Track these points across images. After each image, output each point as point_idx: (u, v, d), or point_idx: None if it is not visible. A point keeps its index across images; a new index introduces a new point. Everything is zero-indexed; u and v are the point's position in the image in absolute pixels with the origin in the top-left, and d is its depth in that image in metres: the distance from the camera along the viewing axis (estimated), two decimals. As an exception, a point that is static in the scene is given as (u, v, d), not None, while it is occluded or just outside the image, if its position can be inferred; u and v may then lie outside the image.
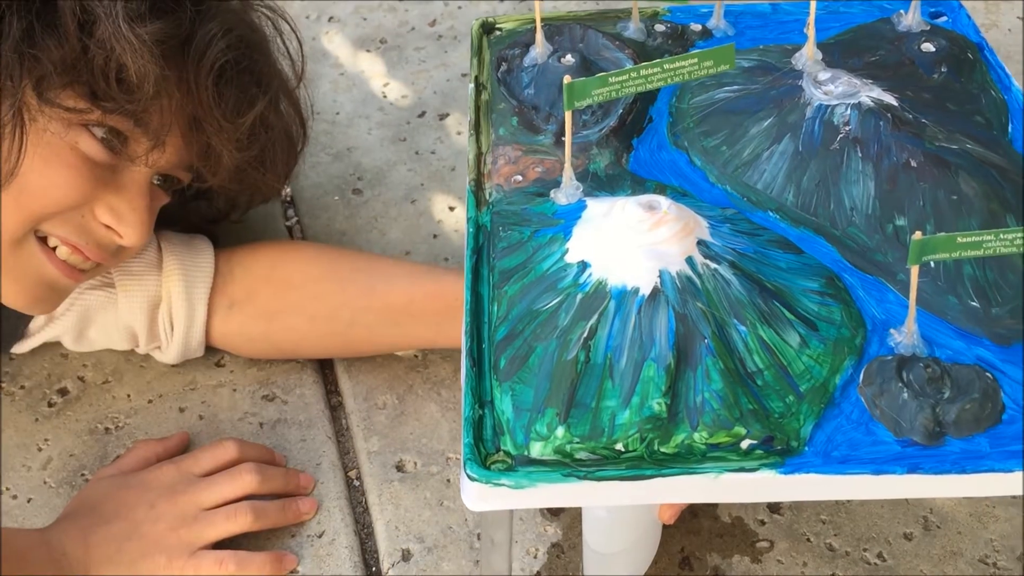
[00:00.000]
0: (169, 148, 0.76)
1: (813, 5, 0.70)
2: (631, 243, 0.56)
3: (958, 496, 0.53)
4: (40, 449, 0.83)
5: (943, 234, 0.54)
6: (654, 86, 0.62)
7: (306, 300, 0.85)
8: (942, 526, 0.77)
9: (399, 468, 0.83)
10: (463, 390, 0.55)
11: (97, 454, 0.83)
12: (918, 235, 0.54)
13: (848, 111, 0.67)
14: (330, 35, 1.27)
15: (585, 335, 0.55)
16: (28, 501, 0.80)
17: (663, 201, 0.57)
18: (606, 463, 0.52)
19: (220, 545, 0.74)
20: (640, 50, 0.78)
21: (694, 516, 0.78)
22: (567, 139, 0.62)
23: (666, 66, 0.61)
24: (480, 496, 0.52)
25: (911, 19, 0.78)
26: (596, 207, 0.61)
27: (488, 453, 0.53)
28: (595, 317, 0.55)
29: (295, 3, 1.31)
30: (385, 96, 1.18)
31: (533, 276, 0.58)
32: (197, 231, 0.89)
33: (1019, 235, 0.54)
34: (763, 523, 0.78)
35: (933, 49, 0.75)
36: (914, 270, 0.56)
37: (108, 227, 0.76)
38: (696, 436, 0.52)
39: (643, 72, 0.61)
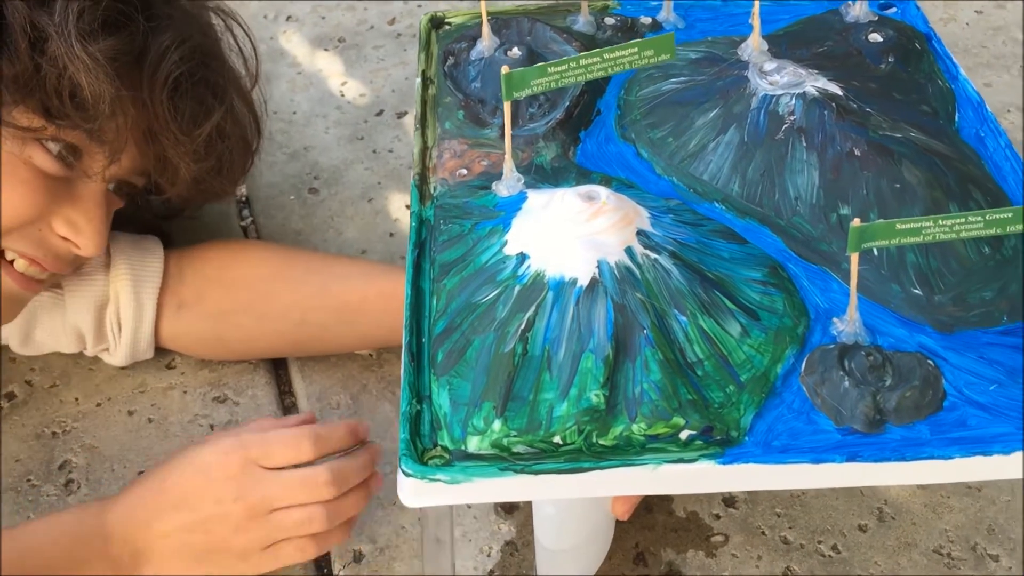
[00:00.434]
0: (124, 159, 0.76)
1: (758, -5, 0.70)
2: (569, 234, 0.56)
3: (898, 484, 0.52)
4: (-13, 454, 0.82)
5: (882, 221, 0.54)
6: (594, 76, 0.61)
7: (256, 299, 0.84)
8: (897, 517, 0.77)
9: (352, 468, 0.82)
10: (401, 385, 0.55)
11: (43, 459, 0.82)
12: (856, 222, 0.54)
13: (793, 101, 0.67)
14: (288, 34, 1.26)
15: (523, 327, 0.54)
16: (-27, 507, 0.78)
17: (602, 191, 0.57)
18: (544, 456, 0.52)
19: None
20: (589, 43, 0.77)
21: (648, 511, 0.78)
22: (506, 130, 0.61)
23: (606, 55, 0.60)
24: (415, 492, 0.51)
25: (859, 10, 0.78)
26: (536, 199, 0.60)
27: (425, 449, 0.52)
28: (533, 309, 0.54)
29: (252, 3, 1.30)
30: (343, 95, 1.17)
31: (472, 269, 0.57)
32: (150, 230, 0.88)
33: (958, 221, 0.54)
34: (718, 517, 0.78)
35: (880, 39, 0.75)
36: (854, 258, 0.55)
37: (65, 239, 0.76)
38: (634, 428, 0.52)
39: (583, 62, 0.60)
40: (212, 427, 0.84)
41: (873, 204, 0.63)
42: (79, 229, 0.75)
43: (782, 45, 0.75)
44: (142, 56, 0.73)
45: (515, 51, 0.74)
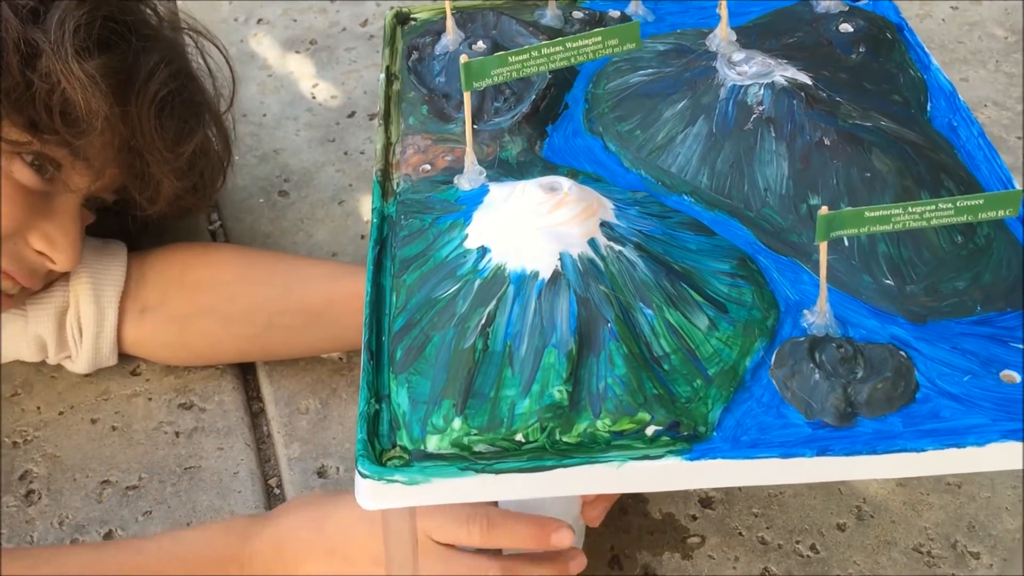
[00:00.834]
0: (105, 175, 0.76)
1: (725, -16, 0.69)
2: (530, 226, 0.54)
3: (871, 478, 0.51)
4: (-55, 465, 0.80)
5: (850, 209, 0.53)
6: (557, 65, 0.60)
7: (220, 302, 0.82)
8: (876, 515, 0.76)
9: (320, 474, 0.80)
10: (360, 384, 0.53)
11: (4, 469, 0.80)
12: (824, 210, 0.52)
13: (761, 91, 0.66)
14: (258, 37, 1.24)
15: (483, 322, 0.52)
16: (-69, 520, 0.76)
17: (564, 182, 0.55)
18: (505, 455, 0.50)
19: None
20: (556, 37, 0.76)
21: (623, 513, 0.76)
22: (467, 122, 0.60)
23: (569, 45, 0.59)
24: (373, 494, 0.49)
25: (829, 1, 0.77)
26: (498, 191, 0.58)
27: (384, 449, 0.51)
28: (493, 303, 0.53)
29: (223, 5, 1.28)
30: (314, 97, 1.15)
31: (432, 264, 0.56)
32: (115, 234, 0.86)
33: (928, 208, 0.53)
34: (694, 518, 0.76)
35: (851, 29, 0.74)
36: (823, 247, 0.54)
37: (40, 253, 0.76)
38: (599, 424, 0.50)
39: (545, 51, 0.59)
40: (177, 434, 0.82)
41: (843, 193, 0.61)
42: (55, 243, 0.76)
43: (751, 36, 0.73)
44: (131, 75, 0.75)
45: (480, 45, 0.73)
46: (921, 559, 0.73)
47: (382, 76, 0.75)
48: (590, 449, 0.50)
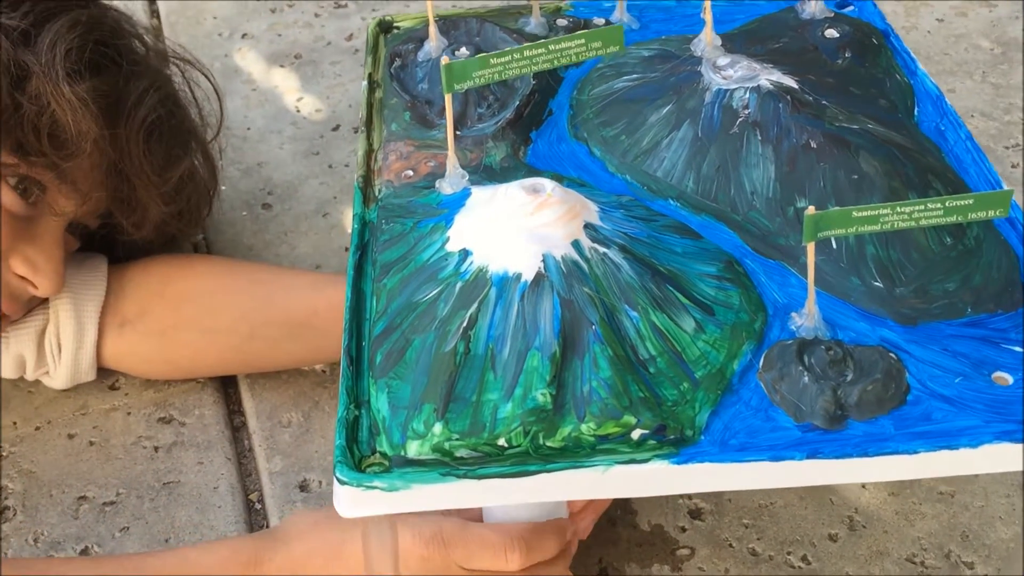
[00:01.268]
0: (91, 199, 0.75)
1: (709, -12, 0.68)
2: (513, 227, 0.53)
3: (862, 481, 0.50)
4: (-81, 482, 0.78)
5: (837, 209, 0.52)
6: (539, 68, 0.59)
7: (201, 314, 0.81)
8: (868, 526, 0.75)
9: (303, 488, 0.78)
10: (339, 390, 0.52)
11: (-22, 484, 0.78)
12: (811, 210, 0.52)
13: (747, 95, 0.65)
14: (243, 52, 1.23)
15: (465, 325, 0.51)
16: (-98, 537, 0.75)
17: (547, 184, 0.54)
18: (488, 460, 0.49)
19: None
20: (540, 44, 0.75)
21: (612, 525, 0.75)
22: (448, 124, 0.59)
23: (551, 47, 0.58)
24: (352, 501, 0.48)
25: (814, 7, 0.76)
26: (480, 194, 0.58)
27: (363, 456, 0.49)
28: (475, 306, 0.52)
29: (208, 20, 1.28)
30: (298, 110, 1.15)
31: (413, 267, 0.55)
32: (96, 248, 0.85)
33: (917, 208, 0.52)
34: (684, 530, 0.75)
35: (837, 35, 0.74)
36: (810, 248, 0.53)
37: (23, 278, 0.75)
38: (584, 428, 0.49)
39: (527, 53, 0.58)
40: (156, 449, 0.81)
41: (831, 196, 0.60)
42: (38, 268, 0.74)
43: (737, 43, 0.73)
44: (121, 98, 0.74)
45: (463, 51, 0.72)
46: (915, 569, 0.72)
47: (364, 83, 0.74)
48: (575, 454, 0.49)
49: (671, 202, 0.64)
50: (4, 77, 0.69)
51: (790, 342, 0.54)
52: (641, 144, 0.66)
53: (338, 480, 0.48)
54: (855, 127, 0.63)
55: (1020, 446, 0.49)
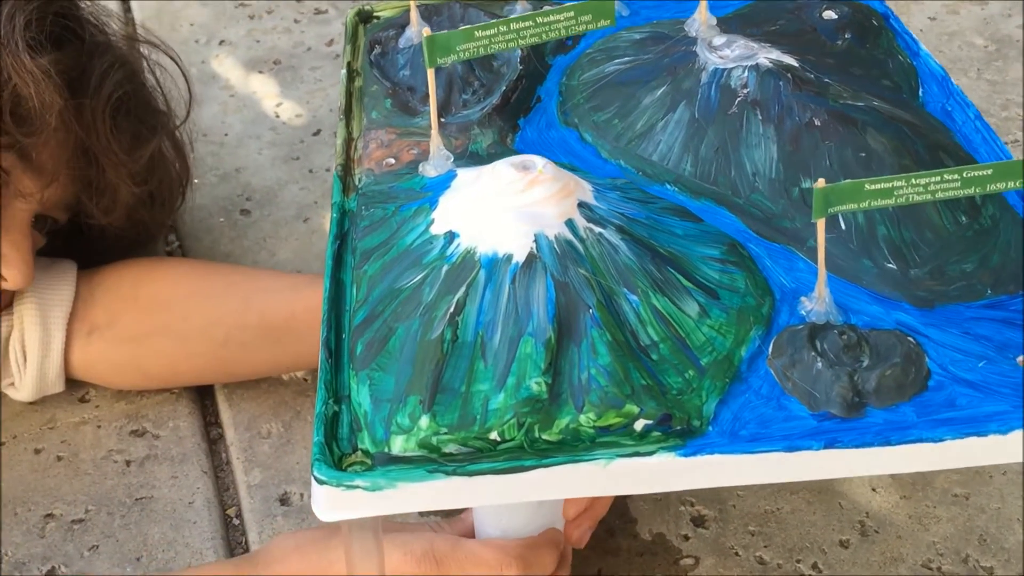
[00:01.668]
0: (54, 186, 0.72)
1: (703, -36, 0.65)
2: (502, 206, 0.50)
3: (885, 472, 0.46)
4: None
5: (849, 181, 0.49)
6: (527, 42, 0.56)
7: (175, 320, 0.77)
8: (880, 531, 0.71)
9: (283, 501, 0.74)
10: (317, 385, 0.48)
11: (-63, 503, 0.73)
12: (821, 183, 0.48)
13: (745, 73, 0.62)
14: (220, 58, 1.20)
15: (451, 311, 0.47)
16: None
17: (538, 160, 0.51)
18: (479, 456, 0.45)
19: None
20: (527, 30, 0.72)
21: (611, 535, 0.71)
22: (431, 102, 0.55)
23: (539, 19, 0.55)
24: (331, 503, 0.44)
25: (812, -12, 0.73)
26: (466, 175, 0.54)
27: (344, 454, 0.45)
28: (463, 290, 0.48)
29: (184, 26, 1.24)
30: (278, 116, 1.11)
31: (395, 252, 0.51)
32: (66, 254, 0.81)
33: (933, 180, 0.49)
34: (687, 538, 0.71)
35: (835, 16, 0.71)
36: (820, 225, 0.50)
37: None
38: (582, 418, 0.45)
39: (514, 26, 0.55)
40: (128, 463, 0.76)
41: (838, 175, 0.57)
42: (6, 258, 0.71)
43: (732, 26, 0.70)
44: (85, 73, 0.71)
45: (446, 36, 0.69)
46: (931, 575, 0.68)
47: (343, 72, 0.70)
48: (573, 447, 0.45)
49: (668, 187, 0.60)
50: None
51: (800, 327, 0.50)
52: (635, 128, 0.63)
53: (316, 479, 0.44)
54: (860, 104, 0.60)
55: (1053, 431, 0.45)
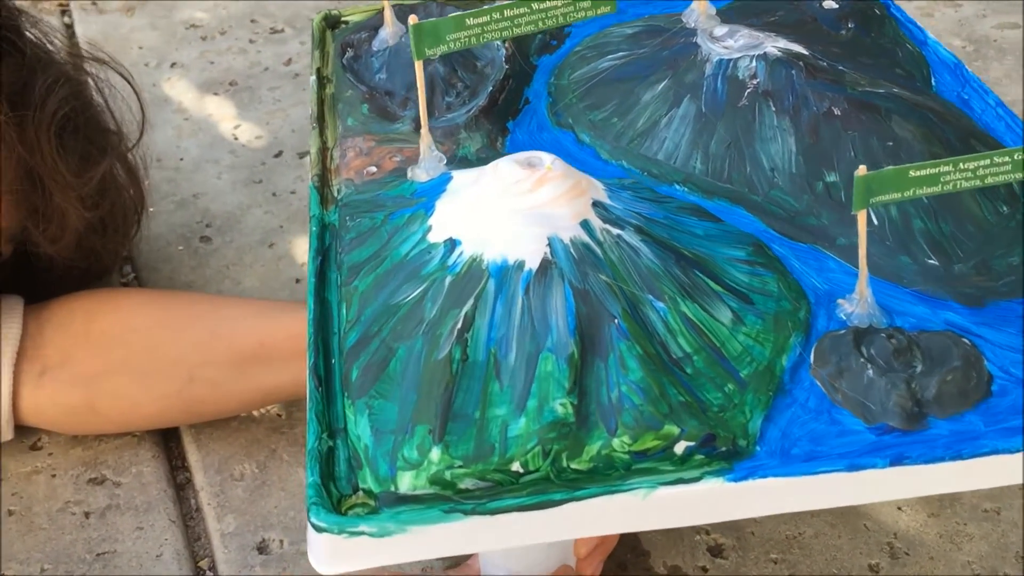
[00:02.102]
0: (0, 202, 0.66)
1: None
2: (509, 208, 0.44)
3: (960, 490, 0.41)
4: None
5: (892, 168, 0.44)
6: (522, 31, 0.50)
7: (135, 356, 0.70)
8: (911, 552, 0.66)
9: (261, 550, 0.67)
10: (307, 418, 0.42)
11: None
12: (862, 170, 0.44)
13: (753, 63, 0.57)
14: (172, 81, 1.14)
15: (459, 326, 0.42)
16: None
17: (544, 156, 0.46)
18: (500, 490, 0.39)
19: None
20: (509, 29, 0.67)
21: (622, 569, 0.65)
22: (420, 99, 0.50)
23: (535, 6, 0.50)
24: (332, 552, 0.38)
25: (809, -22, 0.69)
26: (464, 176, 0.49)
27: (343, 496, 0.39)
28: (470, 303, 0.42)
29: (133, 49, 1.18)
30: (236, 138, 1.05)
31: (389, 264, 0.45)
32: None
33: (982, 164, 0.44)
34: (705, 570, 0.65)
35: (835, 6, 0.67)
36: (861, 217, 0.45)
37: None
38: (616, 443, 0.40)
39: (508, 13, 0.49)
40: (87, 515, 0.69)
41: (865, 166, 0.52)
42: None
43: (729, 17, 0.65)
44: (27, 88, 0.66)
45: (425, 35, 0.63)
46: (968, 598, 0.63)
47: (313, 78, 0.65)
48: (605, 476, 0.40)
49: (677, 187, 0.55)
50: None
51: (842, 332, 0.45)
52: (636, 126, 0.58)
53: (314, 527, 0.38)
54: (881, 91, 0.56)
55: None
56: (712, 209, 0.54)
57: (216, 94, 1.12)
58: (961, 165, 0.44)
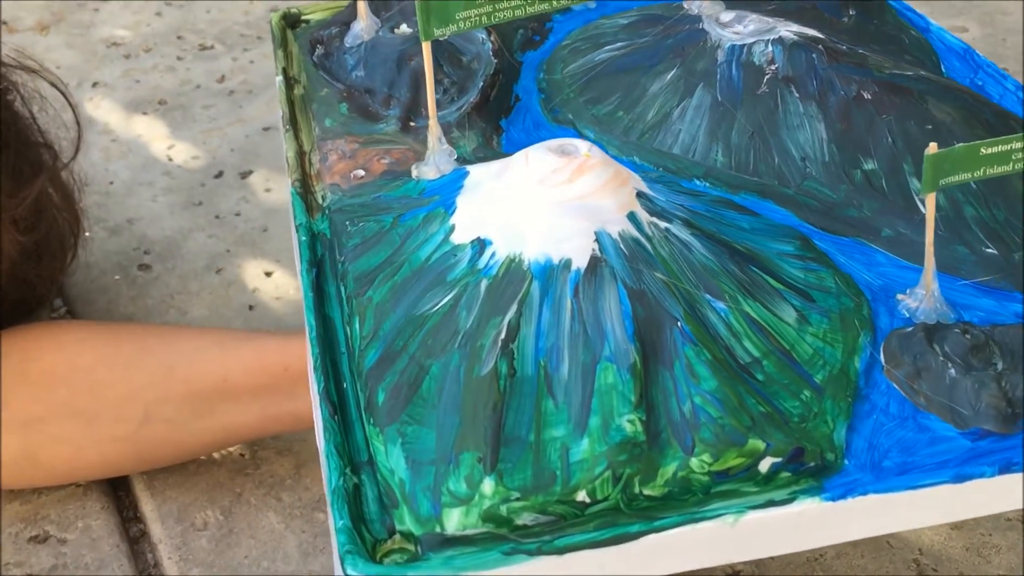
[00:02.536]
0: None
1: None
2: (546, 201, 0.39)
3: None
4: None
5: (962, 146, 0.40)
6: (537, 10, 0.45)
7: (79, 397, 0.62)
8: (939, 568, 0.62)
9: (233, 607, 0.60)
10: (322, 451, 0.36)
11: None
12: (933, 147, 0.39)
13: (769, 48, 0.53)
14: (95, 101, 1.06)
15: (503, 336, 0.36)
16: None
17: (579, 143, 0.40)
18: (565, 525, 0.33)
19: None
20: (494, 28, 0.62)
21: (637, 606, 0.60)
22: (429, 87, 0.44)
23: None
24: (374, 610, 0.32)
25: (799, -33, 0.66)
26: (482, 170, 0.43)
27: (377, 540, 0.33)
28: (513, 309, 0.37)
29: (50, 69, 1.09)
30: (171, 159, 0.97)
31: (408, 271, 0.39)
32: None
33: (1052, 140, 0.40)
34: (724, 601, 0.60)
35: (833, -7, 0.63)
36: (930, 201, 0.41)
37: None
38: (694, 463, 0.34)
39: (526, -12, 0.44)
40: (30, 578, 0.61)
41: (903, 152, 0.49)
42: None
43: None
44: None
45: (404, 28, 0.58)
46: (1005, 614, 0.59)
47: (280, 79, 0.59)
48: (682, 502, 0.34)
49: (697, 182, 0.51)
50: None
51: (910, 329, 0.41)
52: (646, 119, 0.53)
53: (350, 581, 0.31)
54: (909, 74, 0.52)
55: None
56: (739, 203, 0.49)
57: (145, 113, 1.04)
58: (1032, 141, 0.40)
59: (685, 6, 0.58)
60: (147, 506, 0.66)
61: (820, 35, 0.54)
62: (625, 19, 0.60)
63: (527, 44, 0.63)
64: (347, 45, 0.59)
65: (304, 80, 0.58)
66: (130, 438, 0.63)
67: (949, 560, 0.62)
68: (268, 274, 0.84)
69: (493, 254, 0.38)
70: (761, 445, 0.34)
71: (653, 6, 0.62)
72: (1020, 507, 0.36)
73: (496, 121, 0.56)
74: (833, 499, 0.34)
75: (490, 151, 0.53)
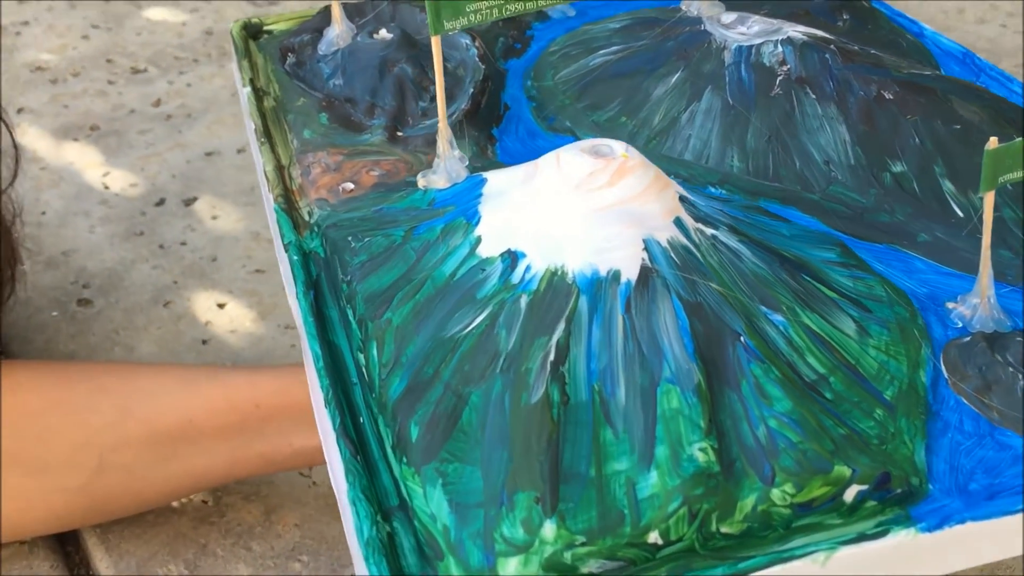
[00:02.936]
0: None
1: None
2: (586, 207, 0.35)
3: None
4: None
5: (1020, 140, 0.37)
6: (549, 3, 0.41)
7: (27, 447, 0.56)
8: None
9: (206, 672, 0.54)
10: (345, 496, 0.31)
11: None
12: (994, 142, 0.37)
13: (779, 48, 0.50)
14: (22, 127, 0.99)
15: (551, 358, 0.32)
16: None
17: (614, 143, 0.36)
18: (635, 571, 0.29)
19: None
20: (472, 32, 0.58)
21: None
22: (439, 87, 0.40)
23: (563, -27, 0.41)
24: None
25: (785, -29, 0.64)
26: (503, 176, 0.39)
27: (419, 599, 0.29)
28: (561, 328, 0.32)
29: (-31, 95, 1.02)
30: (107, 187, 0.91)
31: (431, 289, 0.35)
32: None
33: (1108, 133, 0.38)
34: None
35: (823, -2, 0.61)
36: (988, 199, 0.38)
37: None
38: (775, 494, 0.30)
39: (539, -20, 0.40)
40: (-29, 652, 0.54)
41: (933, 153, 0.46)
42: None
43: (715, 10, 0.59)
44: None
45: (384, 33, 0.54)
46: (1030, 639, 0.57)
47: (247, 90, 0.54)
48: (762, 540, 0.30)
49: (712, 189, 0.47)
50: None
51: (968, 339, 0.38)
52: (652, 124, 0.50)
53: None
54: (928, 73, 0.50)
55: None
56: (770, 211, 0.46)
57: (76, 140, 0.98)
58: (1088, 135, 0.38)
59: (683, 7, 0.55)
60: (101, 563, 0.60)
61: (829, 36, 0.52)
62: (617, 23, 0.57)
63: (508, 52, 0.59)
64: (321, 52, 0.54)
65: (275, 91, 0.54)
66: (83, 489, 0.57)
67: None
68: (221, 306, 0.78)
69: (528, 267, 0.34)
70: (847, 472, 0.31)
71: (647, 9, 0.59)
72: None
73: (488, 130, 0.52)
74: (929, 529, 0.31)
75: (486, 161, 0.49)
